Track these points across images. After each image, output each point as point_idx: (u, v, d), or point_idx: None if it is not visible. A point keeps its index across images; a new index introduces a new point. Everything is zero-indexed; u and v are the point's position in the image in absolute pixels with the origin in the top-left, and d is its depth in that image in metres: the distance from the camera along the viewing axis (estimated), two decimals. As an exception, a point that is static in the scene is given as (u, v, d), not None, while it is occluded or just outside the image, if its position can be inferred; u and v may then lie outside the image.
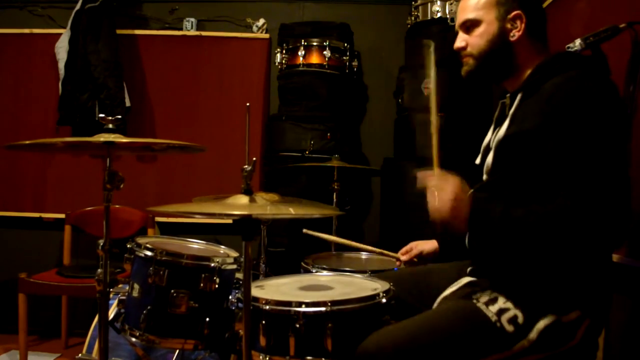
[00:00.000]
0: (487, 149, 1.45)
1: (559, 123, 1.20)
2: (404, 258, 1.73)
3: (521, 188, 1.26)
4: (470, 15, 1.40)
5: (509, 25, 1.37)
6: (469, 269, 1.44)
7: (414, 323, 1.28)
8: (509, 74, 1.41)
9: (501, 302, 1.24)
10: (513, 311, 1.22)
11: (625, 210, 1.14)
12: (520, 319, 1.21)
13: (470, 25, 1.41)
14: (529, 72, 1.36)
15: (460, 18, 1.44)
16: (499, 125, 1.43)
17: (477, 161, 1.51)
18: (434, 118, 1.38)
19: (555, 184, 1.17)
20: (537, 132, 1.23)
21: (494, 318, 1.22)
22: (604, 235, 1.14)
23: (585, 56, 1.48)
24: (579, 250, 1.17)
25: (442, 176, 1.26)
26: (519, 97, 1.36)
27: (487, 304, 1.25)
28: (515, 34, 1.37)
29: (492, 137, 1.44)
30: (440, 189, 1.23)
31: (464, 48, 1.43)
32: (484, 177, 1.44)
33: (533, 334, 1.20)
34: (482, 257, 1.28)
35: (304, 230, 2.00)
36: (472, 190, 1.27)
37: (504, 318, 1.22)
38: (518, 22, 1.37)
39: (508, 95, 1.44)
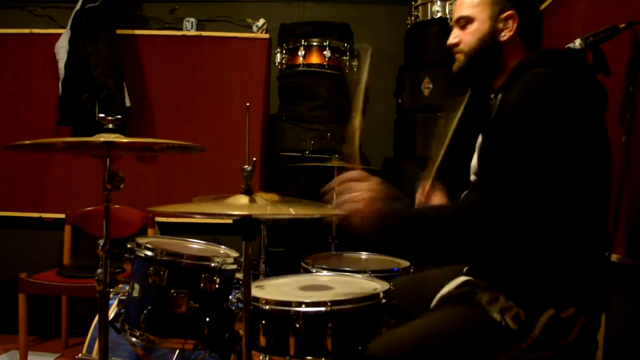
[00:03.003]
0: (474, 150, 1.46)
1: (509, 116, 1.22)
2: None
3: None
4: (465, 12, 1.41)
5: (500, 25, 1.38)
6: (465, 269, 1.44)
7: (421, 325, 1.28)
8: (497, 73, 1.41)
9: (502, 301, 1.24)
10: (515, 309, 1.23)
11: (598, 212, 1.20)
12: (523, 316, 1.22)
13: (464, 22, 1.42)
14: None
15: (455, 14, 1.45)
16: None
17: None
18: (357, 120, 1.38)
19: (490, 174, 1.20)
20: (493, 126, 1.26)
21: (498, 317, 1.23)
22: (521, 230, 1.14)
23: (562, 52, 1.43)
24: (497, 245, 1.16)
25: (361, 173, 1.29)
26: (500, 96, 1.36)
27: (489, 303, 1.25)
28: (506, 34, 1.37)
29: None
30: (358, 184, 1.27)
31: (456, 44, 1.44)
32: (472, 177, 1.45)
33: (536, 330, 1.20)
34: (394, 247, 1.30)
35: None
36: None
37: (508, 316, 1.22)
38: (510, 22, 1.37)
39: (493, 96, 1.45)
